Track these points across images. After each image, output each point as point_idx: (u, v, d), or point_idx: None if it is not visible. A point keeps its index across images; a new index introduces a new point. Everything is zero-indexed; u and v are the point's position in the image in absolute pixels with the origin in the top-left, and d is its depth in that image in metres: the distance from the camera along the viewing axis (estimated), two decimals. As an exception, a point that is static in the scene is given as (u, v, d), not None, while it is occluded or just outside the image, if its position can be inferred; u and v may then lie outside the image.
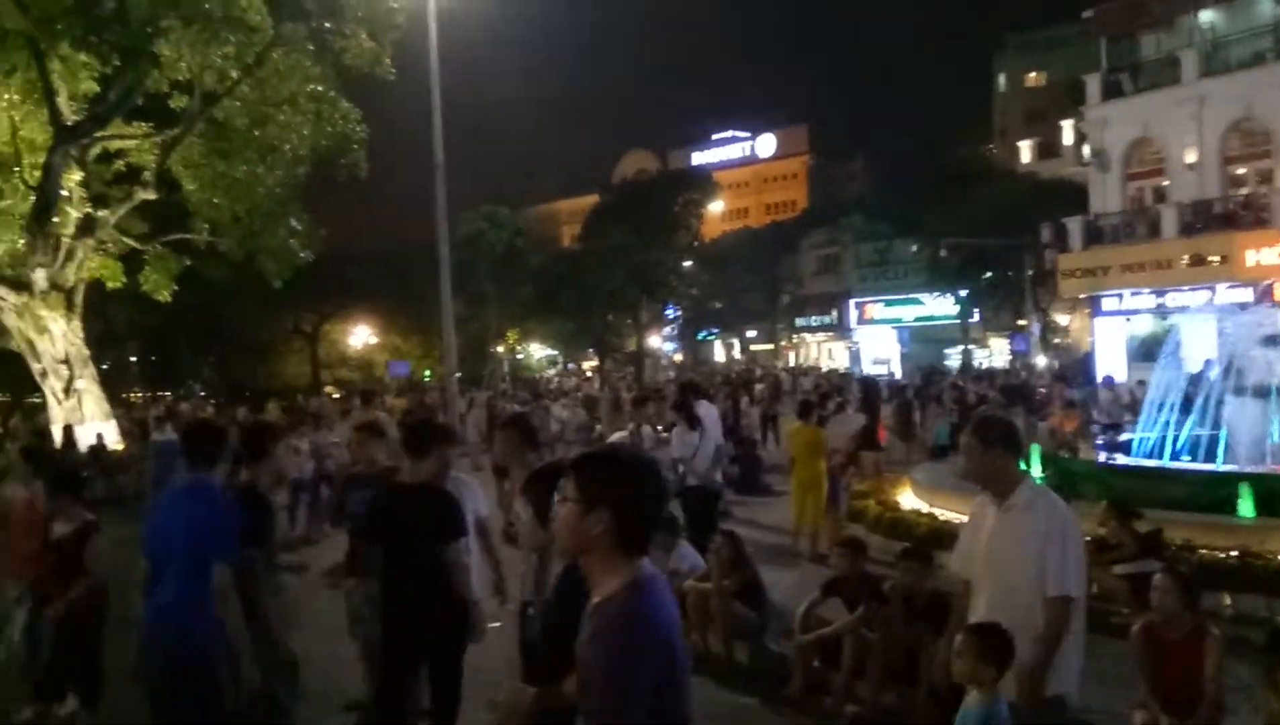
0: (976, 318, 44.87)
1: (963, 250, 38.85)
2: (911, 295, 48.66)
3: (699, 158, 78.21)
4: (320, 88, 19.39)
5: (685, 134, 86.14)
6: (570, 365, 55.79)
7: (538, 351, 55.30)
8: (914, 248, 47.26)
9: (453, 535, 4.51)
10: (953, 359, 43.46)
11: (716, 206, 52.83)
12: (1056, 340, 40.73)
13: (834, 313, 54.94)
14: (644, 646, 2.22)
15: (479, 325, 41.97)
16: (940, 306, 46.32)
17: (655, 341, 52.65)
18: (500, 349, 45.99)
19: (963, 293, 42.49)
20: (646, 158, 75.65)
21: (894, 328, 50.78)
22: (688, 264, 48.51)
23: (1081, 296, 29.21)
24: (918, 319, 49.64)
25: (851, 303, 53.42)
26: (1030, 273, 34.50)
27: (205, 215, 19.96)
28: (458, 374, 22.30)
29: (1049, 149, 52.87)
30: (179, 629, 4.29)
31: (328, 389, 41.90)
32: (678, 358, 59.29)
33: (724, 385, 24.54)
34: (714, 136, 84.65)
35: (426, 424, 5.76)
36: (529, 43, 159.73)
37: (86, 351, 19.17)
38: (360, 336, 45.58)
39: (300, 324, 46.28)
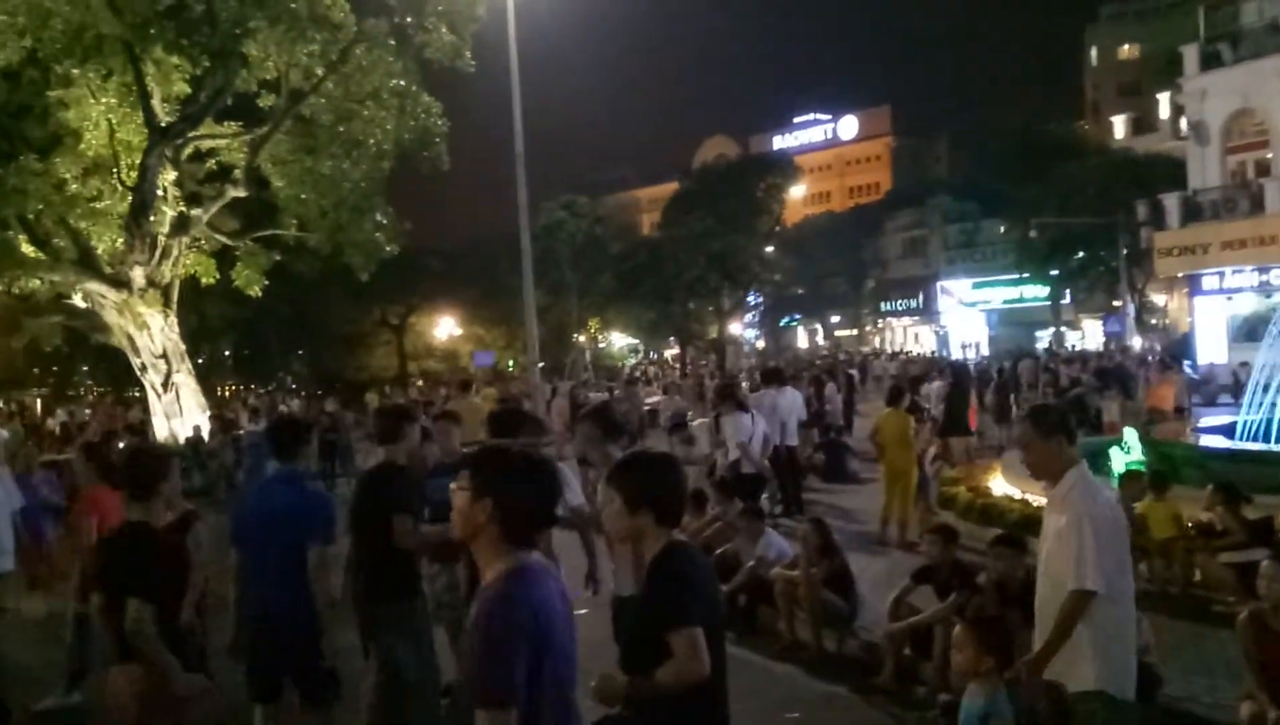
0: (1068, 300, 43.50)
1: (1053, 230, 37.65)
2: (1000, 277, 47.42)
3: (780, 142, 77.42)
4: (402, 82, 19.65)
5: (766, 118, 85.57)
6: (652, 353, 55.84)
7: (619, 340, 55.42)
8: (1002, 229, 46.01)
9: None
10: (1043, 342, 42.20)
11: (798, 190, 52.25)
12: (1153, 321, 39.23)
13: (920, 296, 53.89)
14: (513, 630, 2.38)
15: (560, 314, 42.26)
16: (1030, 288, 45.05)
17: (736, 328, 52.30)
18: (582, 338, 46.23)
19: (1053, 273, 41.21)
20: (727, 143, 75.19)
21: (982, 311, 49.58)
22: (770, 250, 48.04)
23: (1179, 275, 28.14)
24: (1007, 302, 48.35)
25: (938, 286, 52.32)
26: (1125, 252, 33.25)
27: (293, 211, 20.45)
28: (540, 363, 22.46)
29: (1144, 123, 50.94)
30: (280, 612, 4.49)
31: (414, 379, 42.70)
32: (760, 345, 58.87)
33: (812, 369, 24.19)
34: (795, 120, 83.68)
35: (513, 412, 5.80)
36: (607, 31, 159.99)
37: (183, 346, 19.83)
38: (445, 328, 46.27)
39: (387, 316, 47.22)
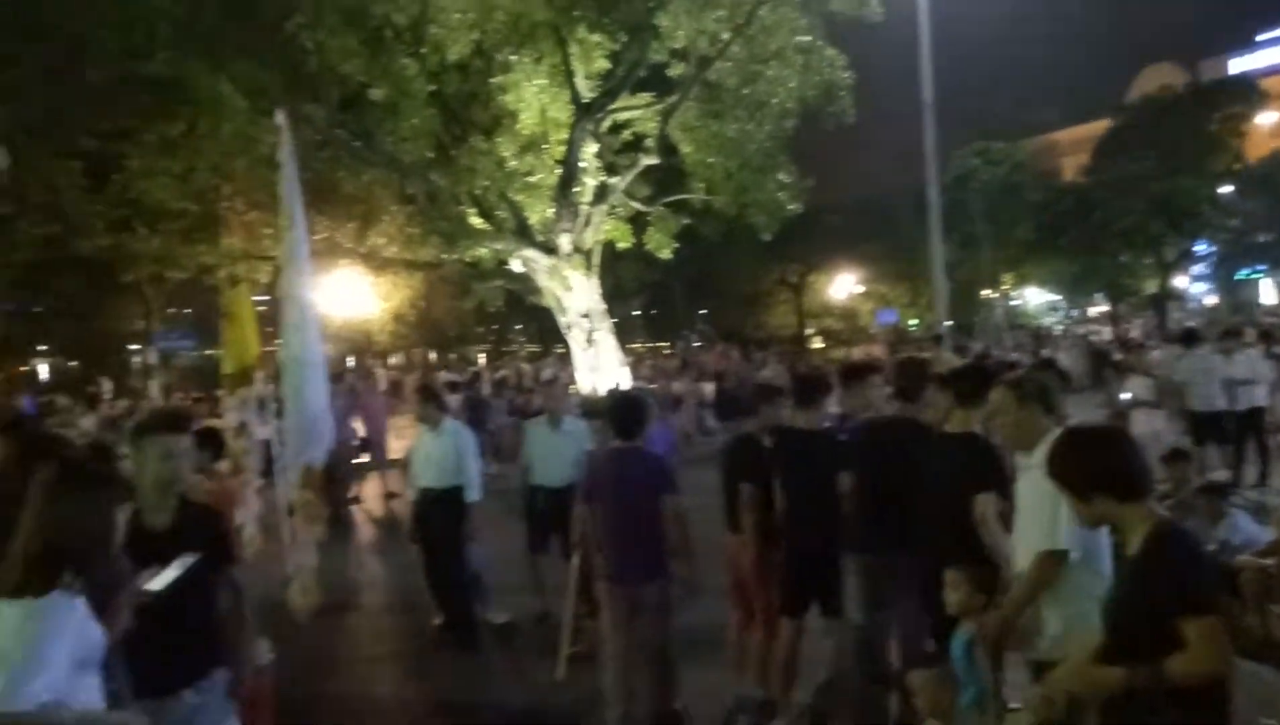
0: None
1: None
2: None
3: (1238, 65, 66.40)
4: (807, 38, 19.39)
5: (1220, 37, 73.78)
6: (1074, 312, 50.87)
7: (1035, 297, 51.13)
8: None
9: None
10: None
11: (1265, 120, 44.43)
12: None
13: None
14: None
15: (970, 270, 39.77)
16: None
17: (1181, 282, 45.99)
18: (994, 294, 43.29)
19: None
20: (1171, 71, 65.88)
21: None
22: (1226, 190, 41.45)
23: None
24: None
25: None
26: None
27: (701, 175, 21.08)
28: (948, 322, 21.36)
29: None
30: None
31: (812, 338, 42.80)
32: (1210, 301, 51.34)
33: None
34: (1258, 38, 71.31)
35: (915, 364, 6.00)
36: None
37: (603, 306, 21.28)
38: (844, 285, 45.65)
39: (786, 275, 47.58)
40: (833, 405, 6.25)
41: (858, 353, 31.29)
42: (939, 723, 4.09)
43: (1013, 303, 48.59)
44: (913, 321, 44.22)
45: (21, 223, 20.88)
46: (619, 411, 5.48)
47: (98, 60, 17.65)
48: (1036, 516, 3.67)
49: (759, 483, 5.53)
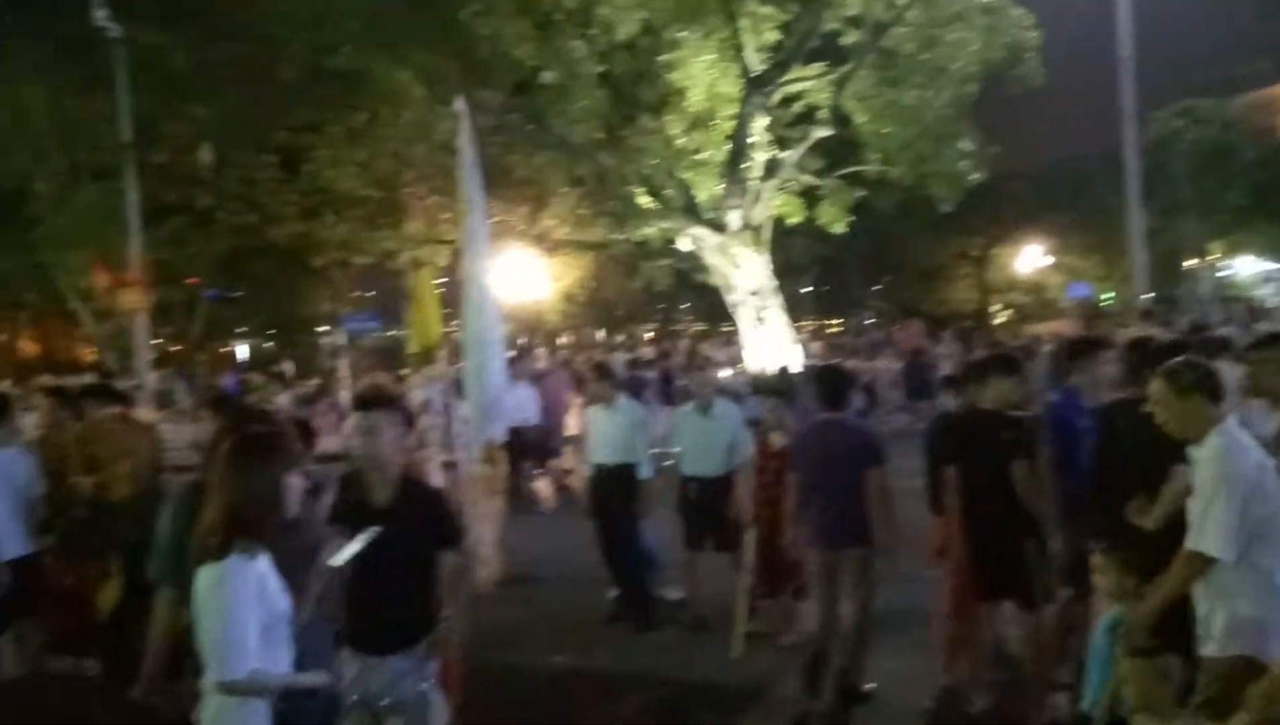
0: None
1: None
2: None
3: None
4: (991, -1, 18.45)
5: None
6: (1289, 283, 46.43)
7: (1248, 267, 46.95)
8: None
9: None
10: None
11: None
12: None
13: None
14: None
15: (1171, 239, 36.91)
16: None
17: None
18: (1199, 265, 40.10)
19: None
20: (1407, 12, 59.01)
21: None
22: None
23: None
24: None
25: None
26: None
27: (876, 145, 20.34)
28: (1148, 295, 19.96)
29: None
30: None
31: (996, 313, 40.85)
32: None
33: None
34: None
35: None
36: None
37: (774, 283, 20.95)
38: (1031, 258, 43.25)
39: (967, 248, 45.59)
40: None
41: (1044, 329, 29.74)
42: (1149, 717, 3.88)
43: (1221, 274, 44.83)
44: (1106, 296, 41.51)
45: (221, 213, 22.51)
46: (825, 383, 5.75)
47: (288, 58, 18.75)
48: (1192, 512, 3.64)
49: (964, 464, 5.32)
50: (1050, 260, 43.50)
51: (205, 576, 2.76)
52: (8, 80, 18.95)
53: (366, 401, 3.96)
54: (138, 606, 5.80)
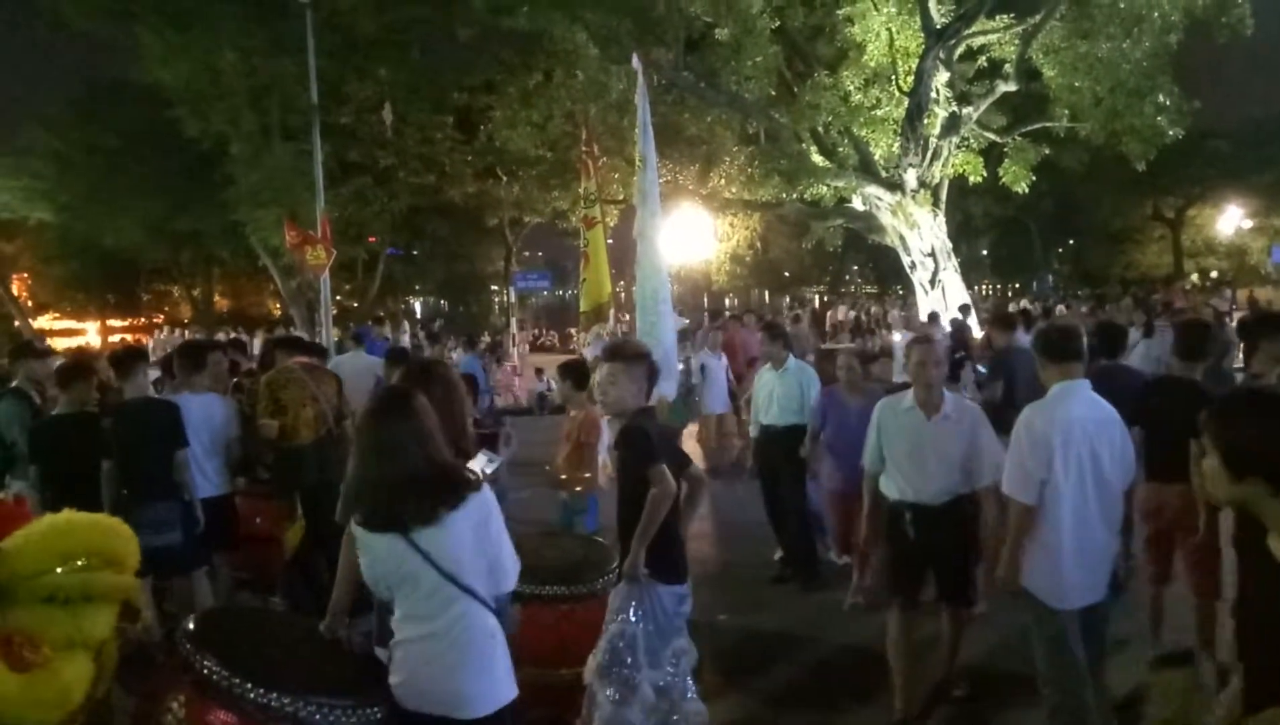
0: None
1: None
2: None
3: None
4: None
5: None
6: None
7: None
8: None
9: None
10: None
11: None
12: None
13: None
14: None
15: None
16: None
17: None
18: None
19: None
20: None
21: None
22: None
23: None
24: None
25: None
26: None
27: (1065, 101, 19.14)
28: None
29: None
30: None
31: (1184, 281, 37.95)
32: None
33: None
34: None
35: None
36: None
37: (950, 244, 20.20)
38: (1232, 219, 39.96)
39: (1161, 209, 42.57)
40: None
41: (1242, 295, 27.59)
42: None
43: None
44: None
45: (401, 172, 23.39)
46: (1104, 334, 6.19)
47: (467, 19, 19.20)
48: None
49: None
50: (1251, 223, 40.10)
51: (476, 504, 3.03)
52: (205, 45, 20.02)
53: (610, 354, 4.29)
54: (321, 547, 6.17)
